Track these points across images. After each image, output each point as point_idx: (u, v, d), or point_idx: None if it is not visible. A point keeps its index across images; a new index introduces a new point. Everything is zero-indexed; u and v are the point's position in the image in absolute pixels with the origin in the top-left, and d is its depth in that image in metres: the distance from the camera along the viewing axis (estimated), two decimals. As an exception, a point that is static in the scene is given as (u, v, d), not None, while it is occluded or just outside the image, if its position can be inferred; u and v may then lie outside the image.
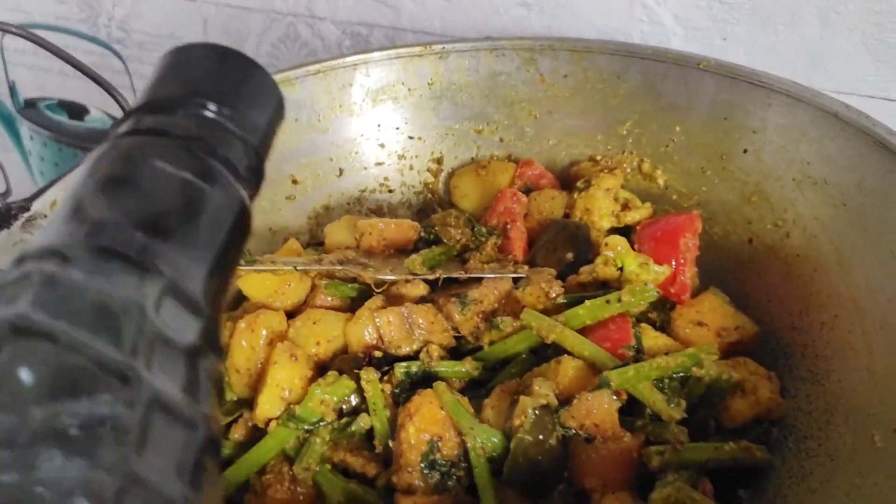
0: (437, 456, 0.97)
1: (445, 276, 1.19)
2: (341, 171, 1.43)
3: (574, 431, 0.95)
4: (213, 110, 0.48)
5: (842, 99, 1.13)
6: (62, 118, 2.11)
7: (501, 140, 1.45)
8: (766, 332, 1.16)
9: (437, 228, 1.28)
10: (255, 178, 0.52)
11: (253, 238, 1.33)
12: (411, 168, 1.47)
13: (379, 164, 1.46)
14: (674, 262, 1.14)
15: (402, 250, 1.27)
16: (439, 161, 1.47)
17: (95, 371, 0.37)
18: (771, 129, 1.20)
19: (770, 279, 1.19)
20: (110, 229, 0.42)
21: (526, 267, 1.22)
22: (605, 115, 1.38)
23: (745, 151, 1.24)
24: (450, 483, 0.98)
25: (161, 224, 0.43)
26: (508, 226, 1.28)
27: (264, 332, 1.14)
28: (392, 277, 1.18)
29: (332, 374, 1.08)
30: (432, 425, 0.99)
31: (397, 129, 1.45)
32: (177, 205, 0.44)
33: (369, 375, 1.06)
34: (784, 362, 1.12)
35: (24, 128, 2.09)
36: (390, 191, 1.47)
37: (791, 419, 1.05)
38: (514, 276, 1.18)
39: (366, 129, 1.44)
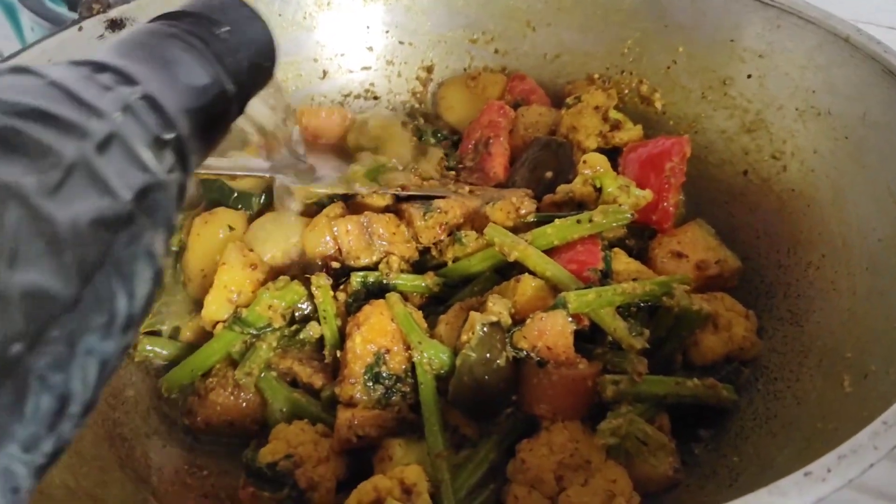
0: (383, 369, 0.93)
1: (379, 191, 1.12)
2: (325, 73, 1.36)
3: (526, 353, 0.89)
4: (217, 28, 0.65)
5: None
6: (62, 9, 2.05)
7: (496, 51, 1.38)
8: (751, 270, 1.09)
9: None
10: (242, 77, 0.66)
11: (227, 138, 1.28)
12: (399, 75, 1.40)
13: (365, 68, 1.38)
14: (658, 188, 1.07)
15: (340, 147, 1.20)
16: (429, 70, 1.39)
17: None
18: (778, 54, 1.11)
19: (762, 214, 1.12)
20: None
21: (466, 188, 1.14)
22: (606, 31, 1.29)
23: (749, 77, 1.15)
24: (394, 398, 0.93)
25: (140, 58, 0.56)
26: (491, 140, 1.21)
27: (220, 231, 1.09)
28: (326, 191, 1.11)
29: (283, 278, 1.03)
30: (380, 336, 0.94)
31: (387, 32, 1.37)
32: (158, 52, 0.58)
33: (320, 281, 1.01)
34: (765, 301, 1.05)
35: (26, 18, 2.03)
36: (375, 97, 1.40)
37: (765, 360, 0.99)
38: (455, 195, 1.11)
39: (354, 30, 1.36)
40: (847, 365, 0.85)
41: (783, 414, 0.89)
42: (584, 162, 1.06)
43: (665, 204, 1.07)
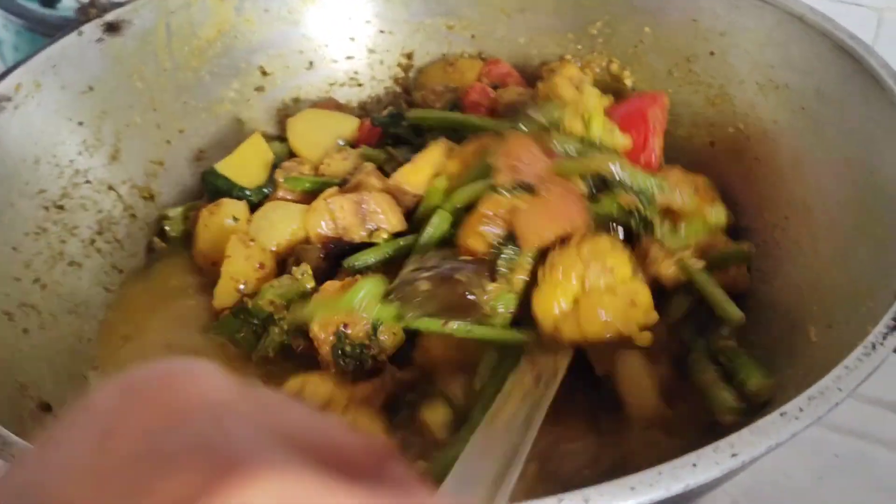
0: (346, 343, 0.97)
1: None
2: (311, 64, 1.43)
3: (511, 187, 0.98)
4: None
5: (811, 3, 1.12)
6: (34, 5, 2.07)
7: (473, 37, 1.44)
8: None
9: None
10: None
11: (221, 130, 1.35)
12: (381, 63, 1.46)
13: (349, 57, 1.45)
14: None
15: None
16: (409, 56, 1.46)
17: None
18: (738, 32, 1.20)
19: (728, 180, 1.20)
20: None
21: None
22: (577, 15, 1.37)
23: (712, 54, 1.24)
24: (367, 363, 0.98)
25: None
26: (474, 122, 1.28)
27: (226, 221, 1.15)
28: None
29: (287, 277, 1.07)
30: (333, 316, 0.98)
31: (368, 22, 1.44)
32: None
33: (303, 269, 1.06)
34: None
35: (-2, 16, 2.05)
36: (360, 85, 1.46)
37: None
38: None
39: (336, 21, 1.42)
40: (811, 317, 0.94)
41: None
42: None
43: (650, 142, 1.14)
